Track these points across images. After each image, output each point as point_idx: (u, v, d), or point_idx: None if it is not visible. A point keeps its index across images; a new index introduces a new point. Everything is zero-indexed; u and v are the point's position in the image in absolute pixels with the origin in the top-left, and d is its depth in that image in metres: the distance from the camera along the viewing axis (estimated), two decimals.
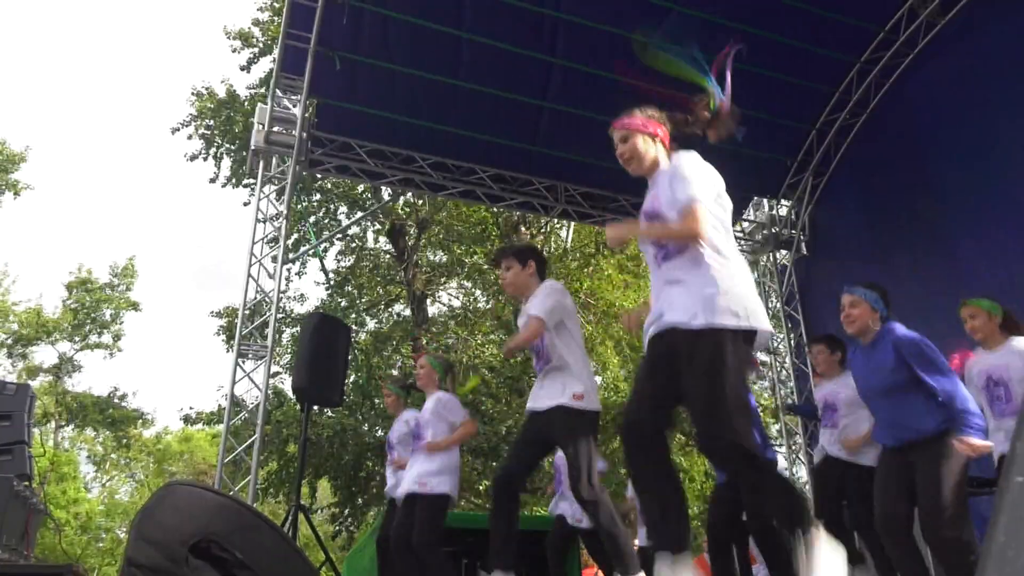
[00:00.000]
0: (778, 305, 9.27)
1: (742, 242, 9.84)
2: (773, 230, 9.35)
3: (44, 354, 25.99)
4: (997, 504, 0.48)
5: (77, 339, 22.38)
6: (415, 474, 4.11)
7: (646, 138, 2.57)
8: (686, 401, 2.32)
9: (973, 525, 3.07)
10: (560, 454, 5.21)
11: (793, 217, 9.30)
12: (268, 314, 7.17)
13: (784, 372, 9.14)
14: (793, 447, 9.03)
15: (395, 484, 4.82)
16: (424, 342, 13.50)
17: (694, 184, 2.39)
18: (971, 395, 3.17)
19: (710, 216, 2.38)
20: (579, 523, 5.22)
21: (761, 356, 9.49)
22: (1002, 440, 3.82)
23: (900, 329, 3.28)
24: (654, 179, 2.58)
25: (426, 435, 4.22)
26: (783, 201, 9.39)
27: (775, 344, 9.26)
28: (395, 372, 13.36)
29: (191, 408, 13.99)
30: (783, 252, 9.45)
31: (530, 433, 3.37)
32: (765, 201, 9.51)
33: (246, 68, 14.10)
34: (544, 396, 3.26)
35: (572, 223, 13.36)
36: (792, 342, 9.11)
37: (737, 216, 9.66)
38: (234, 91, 14.83)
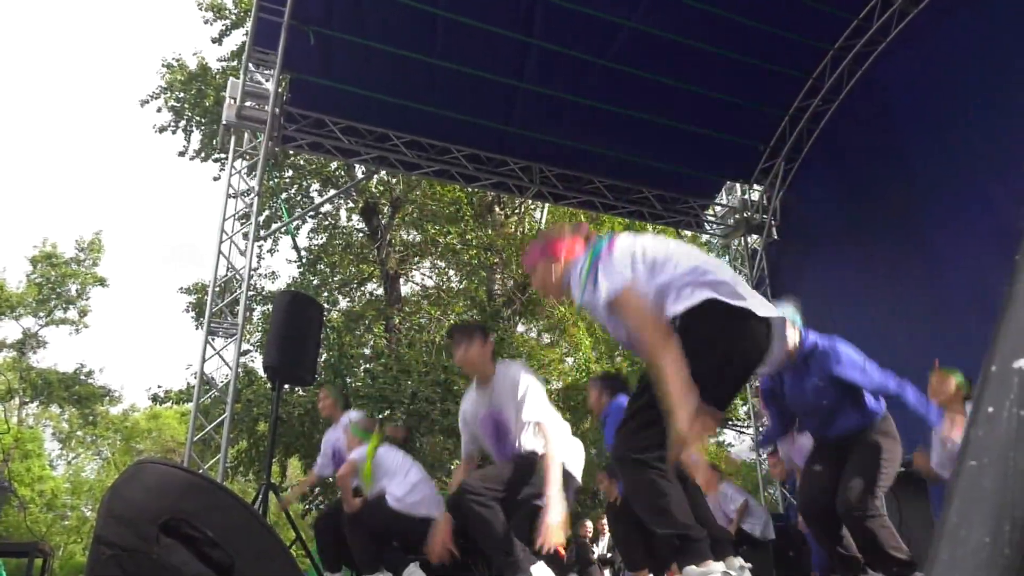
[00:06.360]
0: None
1: (714, 226, 9.93)
2: (745, 214, 9.43)
3: (7, 329, 25.53)
4: (951, 487, 0.50)
5: (42, 314, 21.96)
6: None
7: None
8: None
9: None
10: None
11: (765, 202, 9.39)
12: (239, 291, 7.10)
13: None
14: (761, 430, 9.18)
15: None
16: (397, 321, 13.47)
17: None
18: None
19: None
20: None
21: None
22: None
23: (817, 343, 3.43)
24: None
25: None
26: (755, 186, 9.47)
27: None
28: (367, 351, 13.32)
29: (159, 387, 13.84)
30: (754, 236, 9.55)
31: None
32: (738, 186, 9.58)
33: (218, 40, 13.84)
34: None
35: (547, 204, 13.35)
36: None
37: (709, 200, 9.74)
38: (206, 63, 14.56)
